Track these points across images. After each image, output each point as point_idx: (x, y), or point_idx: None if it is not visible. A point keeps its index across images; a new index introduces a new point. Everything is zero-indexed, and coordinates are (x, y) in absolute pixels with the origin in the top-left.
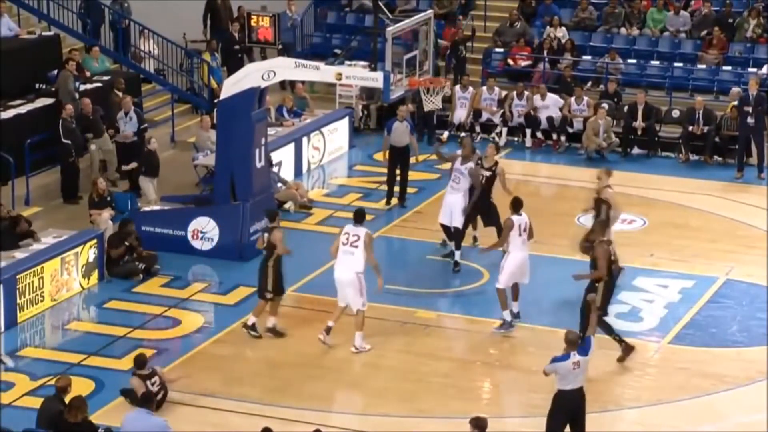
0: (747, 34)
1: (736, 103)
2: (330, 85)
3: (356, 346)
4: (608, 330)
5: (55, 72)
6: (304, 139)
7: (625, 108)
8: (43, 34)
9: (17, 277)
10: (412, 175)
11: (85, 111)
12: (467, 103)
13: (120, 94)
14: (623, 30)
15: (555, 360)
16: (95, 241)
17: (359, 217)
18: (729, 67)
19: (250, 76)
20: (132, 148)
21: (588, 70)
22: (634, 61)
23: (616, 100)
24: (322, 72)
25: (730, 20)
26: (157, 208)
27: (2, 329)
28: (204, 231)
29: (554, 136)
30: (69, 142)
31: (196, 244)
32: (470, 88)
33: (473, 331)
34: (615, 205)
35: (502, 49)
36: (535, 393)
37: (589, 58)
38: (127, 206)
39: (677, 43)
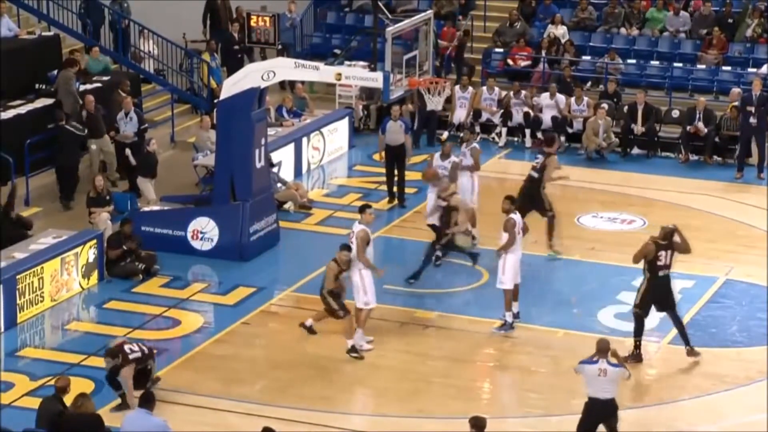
0: (747, 34)
1: (736, 103)
2: (330, 85)
3: (353, 344)
4: (638, 330)
5: (55, 72)
6: (304, 140)
7: (625, 108)
8: (43, 34)
9: (17, 277)
10: (412, 176)
11: (89, 109)
12: (467, 103)
13: (123, 94)
14: (623, 30)
15: (583, 362)
16: (95, 241)
17: (360, 211)
18: (729, 68)
19: (249, 76)
20: (132, 148)
21: (588, 70)
22: (633, 61)
23: (615, 100)
24: (321, 72)
25: (730, 20)
26: (156, 208)
27: (2, 329)
28: (204, 231)
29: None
30: (67, 153)
31: (196, 244)
32: (470, 88)
33: (473, 331)
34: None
35: (502, 49)
36: (534, 393)
37: (588, 58)
38: (126, 206)
39: (677, 43)
